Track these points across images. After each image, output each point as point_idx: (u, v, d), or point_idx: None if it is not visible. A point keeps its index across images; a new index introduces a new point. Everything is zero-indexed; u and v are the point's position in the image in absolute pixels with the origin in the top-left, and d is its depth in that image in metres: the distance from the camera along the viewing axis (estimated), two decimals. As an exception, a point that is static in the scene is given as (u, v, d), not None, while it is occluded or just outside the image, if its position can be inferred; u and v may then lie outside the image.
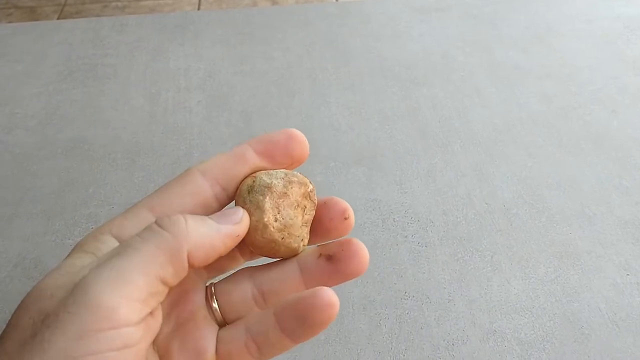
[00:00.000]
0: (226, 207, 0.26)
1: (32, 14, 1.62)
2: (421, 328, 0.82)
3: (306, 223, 0.27)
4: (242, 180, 0.26)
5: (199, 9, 1.60)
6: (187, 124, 1.17)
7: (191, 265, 0.23)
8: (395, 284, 0.87)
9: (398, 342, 0.80)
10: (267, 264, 0.28)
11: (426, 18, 1.51)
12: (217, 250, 0.24)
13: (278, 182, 0.26)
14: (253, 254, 0.28)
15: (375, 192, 1.01)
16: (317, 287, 0.25)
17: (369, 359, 0.78)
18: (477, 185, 1.03)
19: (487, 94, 1.24)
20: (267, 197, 0.26)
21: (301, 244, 0.27)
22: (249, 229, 0.25)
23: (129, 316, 0.21)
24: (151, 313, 0.23)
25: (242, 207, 0.26)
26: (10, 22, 1.57)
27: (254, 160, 0.27)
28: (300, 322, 0.25)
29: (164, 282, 0.22)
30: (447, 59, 1.35)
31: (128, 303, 0.21)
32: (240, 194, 0.26)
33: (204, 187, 0.26)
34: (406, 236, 0.94)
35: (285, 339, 0.25)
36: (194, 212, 0.26)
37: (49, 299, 0.21)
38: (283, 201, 0.26)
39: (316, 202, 0.27)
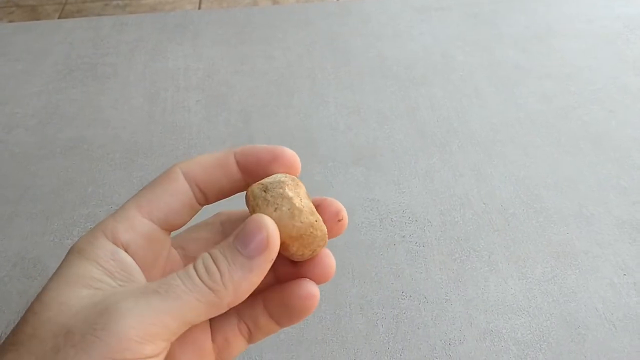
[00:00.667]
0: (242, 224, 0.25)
1: (33, 12, 1.62)
2: (418, 328, 0.82)
3: None
4: (248, 190, 0.26)
5: (199, 7, 1.60)
6: (186, 123, 1.18)
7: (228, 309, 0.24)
8: (392, 283, 0.88)
9: (395, 341, 0.80)
10: None
11: (426, 17, 1.51)
12: (254, 286, 0.24)
13: (285, 178, 0.26)
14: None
15: (374, 192, 1.02)
16: (301, 279, 0.26)
17: (366, 359, 0.79)
18: (474, 185, 1.03)
19: (486, 93, 1.24)
20: (287, 187, 0.25)
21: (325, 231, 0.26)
22: (282, 223, 0.25)
23: (153, 352, 0.21)
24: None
25: (265, 209, 0.25)
26: (11, 21, 1.58)
27: (234, 173, 0.27)
28: (284, 309, 0.27)
29: (189, 326, 0.23)
30: (447, 59, 1.35)
31: (155, 342, 0.21)
32: (255, 197, 0.25)
33: (186, 188, 0.26)
34: (404, 236, 0.94)
35: (272, 322, 0.27)
36: (179, 211, 0.26)
37: (73, 317, 0.21)
38: (299, 191, 0.26)
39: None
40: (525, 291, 0.86)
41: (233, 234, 0.24)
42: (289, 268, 0.27)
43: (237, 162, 0.27)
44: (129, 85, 1.29)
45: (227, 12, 1.56)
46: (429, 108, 1.20)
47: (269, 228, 0.23)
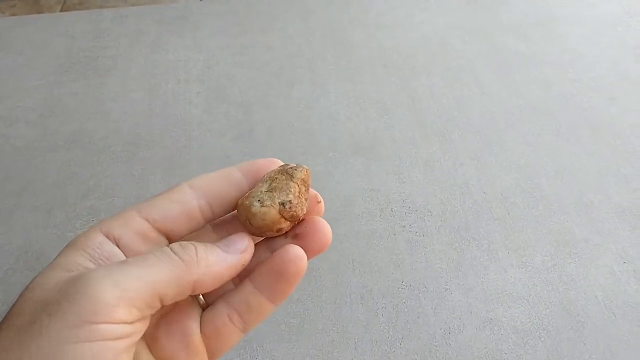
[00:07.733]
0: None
1: (36, 5, 1.62)
2: (418, 317, 0.83)
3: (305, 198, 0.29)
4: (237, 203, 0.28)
5: (199, -1, 1.60)
6: (187, 115, 1.18)
7: (195, 292, 0.25)
8: (392, 273, 0.88)
9: (395, 331, 0.81)
10: None
11: (426, 6, 1.50)
12: (223, 279, 0.26)
13: (264, 184, 0.28)
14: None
15: (374, 182, 1.02)
16: (287, 245, 0.27)
17: (366, 348, 0.79)
18: (475, 174, 1.03)
19: (486, 82, 1.24)
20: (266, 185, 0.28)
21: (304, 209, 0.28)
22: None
23: (124, 317, 0.22)
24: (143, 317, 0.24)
25: (249, 212, 0.27)
26: (13, 14, 1.58)
27: (239, 180, 0.28)
28: (274, 279, 0.27)
29: (161, 301, 0.24)
30: (446, 47, 1.35)
31: (126, 306, 0.22)
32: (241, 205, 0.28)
33: (189, 198, 0.27)
34: (404, 226, 0.95)
35: (263, 300, 0.28)
36: (177, 218, 0.27)
37: (50, 291, 0.22)
38: (270, 195, 0.28)
39: (309, 185, 0.29)
40: (525, 280, 0.87)
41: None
42: (283, 240, 0.29)
43: (241, 171, 0.29)
44: (130, 78, 1.29)
45: (226, 3, 1.56)
46: (429, 97, 1.20)
47: (249, 245, 0.27)
